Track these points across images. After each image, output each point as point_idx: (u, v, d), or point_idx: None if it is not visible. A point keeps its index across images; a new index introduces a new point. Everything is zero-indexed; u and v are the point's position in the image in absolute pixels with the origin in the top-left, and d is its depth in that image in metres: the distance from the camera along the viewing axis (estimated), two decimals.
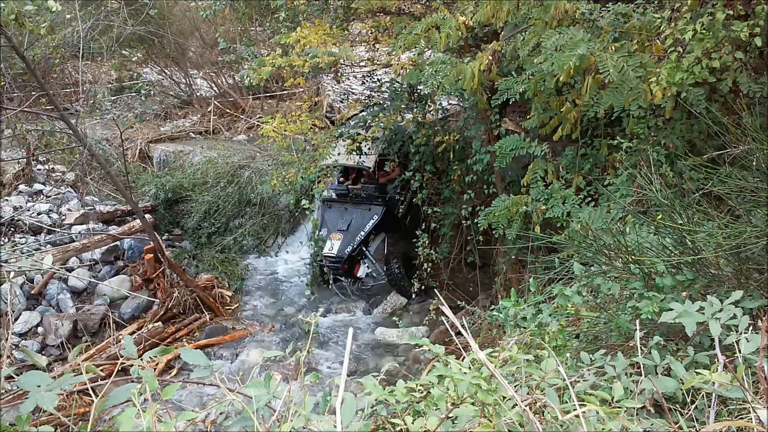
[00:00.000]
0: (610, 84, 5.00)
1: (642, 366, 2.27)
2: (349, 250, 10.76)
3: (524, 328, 4.27)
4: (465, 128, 8.48)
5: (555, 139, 6.11)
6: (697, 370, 2.05)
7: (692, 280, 3.08)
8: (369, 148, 10.82)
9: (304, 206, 10.47)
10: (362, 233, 10.87)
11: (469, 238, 9.78)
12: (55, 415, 2.03)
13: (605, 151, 6.38)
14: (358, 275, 11.24)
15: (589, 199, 6.10)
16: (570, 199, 5.74)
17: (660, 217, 3.67)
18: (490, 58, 5.92)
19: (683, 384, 2.04)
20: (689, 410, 2.14)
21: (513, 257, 8.44)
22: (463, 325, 2.25)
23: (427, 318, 9.98)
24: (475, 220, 7.34)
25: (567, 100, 5.93)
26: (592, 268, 4.08)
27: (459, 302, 9.82)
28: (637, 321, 2.59)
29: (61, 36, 14.36)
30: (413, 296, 10.98)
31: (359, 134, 10.06)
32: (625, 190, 5.36)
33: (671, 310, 2.37)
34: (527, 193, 6.24)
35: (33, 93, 11.98)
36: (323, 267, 11.21)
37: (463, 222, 9.04)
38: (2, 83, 11.75)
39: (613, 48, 4.77)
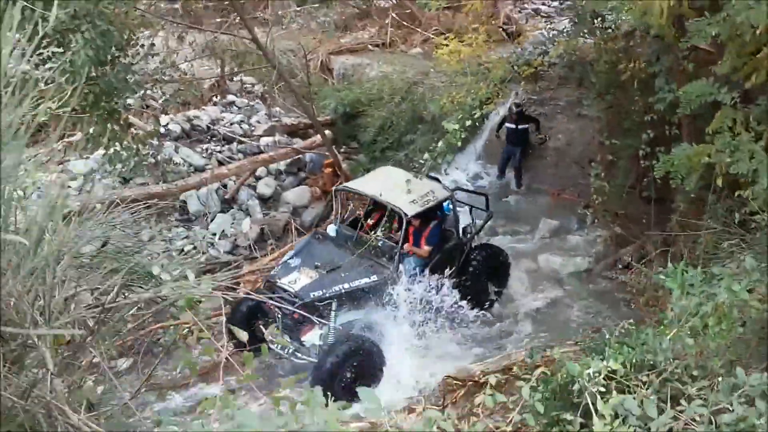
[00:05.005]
0: None
1: None
2: (317, 294, 7.91)
3: (693, 294, 4.20)
4: (649, 62, 8.00)
5: (748, 86, 5.66)
6: None
7: None
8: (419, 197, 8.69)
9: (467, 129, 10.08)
10: (345, 285, 8.09)
11: (645, 166, 9.36)
12: None
13: None
14: (303, 339, 8.02)
15: None
16: (758, 155, 5.35)
17: None
18: None
19: None
20: None
21: (692, 195, 8.04)
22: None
23: (594, 250, 9.88)
24: (653, 162, 7.05)
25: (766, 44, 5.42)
26: None
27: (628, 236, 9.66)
28: None
29: None
30: None
31: (536, 59, 9.79)
32: None
33: None
34: (712, 142, 5.88)
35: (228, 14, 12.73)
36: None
37: (641, 162, 8.65)
38: (200, 3, 12.71)
39: None
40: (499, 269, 9.55)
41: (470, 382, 7.66)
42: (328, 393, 2.89)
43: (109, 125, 9.14)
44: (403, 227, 8.51)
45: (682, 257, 8.09)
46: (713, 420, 2.26)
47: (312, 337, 7.92)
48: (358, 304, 8.27)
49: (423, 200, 8.70)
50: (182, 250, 11.06)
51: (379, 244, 8.72)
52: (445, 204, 9.28)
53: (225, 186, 12.06)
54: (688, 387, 3.40)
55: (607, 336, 3.99)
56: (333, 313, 7.96)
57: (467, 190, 10.62)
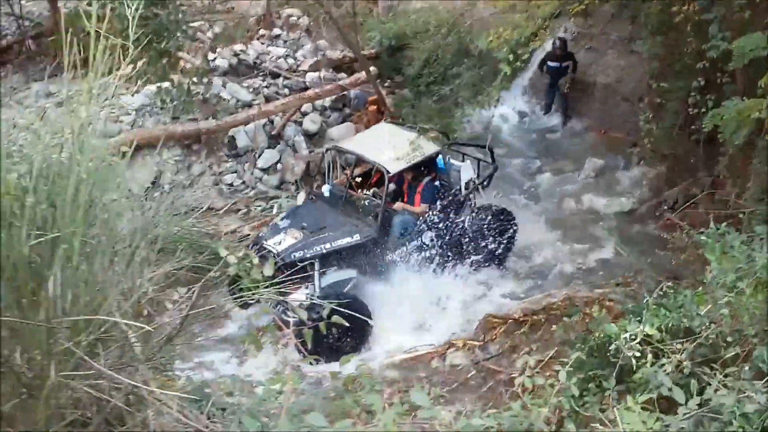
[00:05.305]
0: None
1: None
2: (298, 255, 7.87)
3: (732, 256, 4.28)
4: (703, 9, 7.73)
5: None
6: None
7: None
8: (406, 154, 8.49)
9: (515, 65, 9.91)
10: (327, 246, 8.08)
11: (693, 113, 9.21)
12: None
13: None
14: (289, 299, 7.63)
15: None
16: None
17: None
18: None
19: None
20: None
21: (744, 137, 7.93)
22: None
23: (639, 191, 9.84)
24: (702, 110, 6.97)
25: None
26: None
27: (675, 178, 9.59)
28: None
29: None
30: None
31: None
32: None
33: None
34: (764, 95, 5.78)
35: None
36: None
37: (690, 109, 8.49)
38: None
39: None
40: (505, 230, 9.31)
41: (510, 321, 7.95)
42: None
43: (159, 63, 9.37)
44: (386, 185, 8.41)
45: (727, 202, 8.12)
46: (735, 410, 2.41)
47: (298, 297, 7.63)
48: (348, 263, 8.29)
49: (409, 157, 8.59)
50: (231, 184, 11.45)
51: (366, 203, 8.72)
52: (439, 159, 9.18)
53: (272, 122, 12.23)
54: (721, 351, 3.56)
55: (646, 298, 4.12)
56: (317, 273, 7.96)
57: (468, 144, 10.23)
